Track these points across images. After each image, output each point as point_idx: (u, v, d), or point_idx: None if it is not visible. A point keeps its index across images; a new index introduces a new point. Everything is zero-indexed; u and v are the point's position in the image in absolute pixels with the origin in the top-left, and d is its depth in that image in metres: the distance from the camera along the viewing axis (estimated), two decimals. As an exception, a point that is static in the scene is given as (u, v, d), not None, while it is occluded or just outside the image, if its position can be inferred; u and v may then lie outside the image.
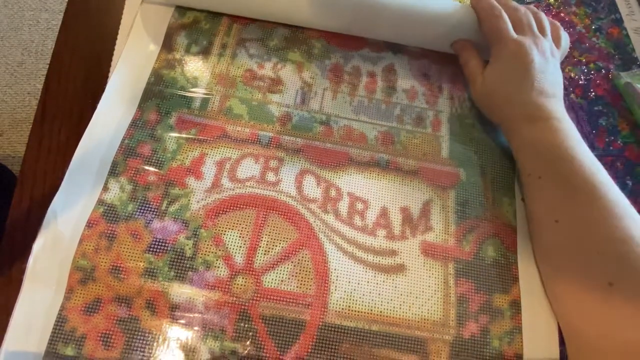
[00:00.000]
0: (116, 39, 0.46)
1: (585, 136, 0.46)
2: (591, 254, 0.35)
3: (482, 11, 0.44)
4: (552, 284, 0.39)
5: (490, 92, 0.42)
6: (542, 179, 0.39)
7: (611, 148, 0.47)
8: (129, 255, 0.37)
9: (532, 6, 0.46)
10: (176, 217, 0.38)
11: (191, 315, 0.35)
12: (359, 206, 0.41)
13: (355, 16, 0.45)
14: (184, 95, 0.43)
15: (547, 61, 0.41)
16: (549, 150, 0.39)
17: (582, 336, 0.36)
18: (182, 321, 0.35)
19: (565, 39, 0.45)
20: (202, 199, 0.39)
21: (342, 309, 0.37)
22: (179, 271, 0.37)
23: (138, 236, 0.37)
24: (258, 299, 0.36)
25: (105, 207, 0.38)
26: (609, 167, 0.45)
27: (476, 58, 0.44)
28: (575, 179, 0.37)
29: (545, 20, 0.44)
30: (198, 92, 0.44)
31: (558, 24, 0.45)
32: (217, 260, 0.37)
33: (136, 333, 0.35)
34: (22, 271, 0.36)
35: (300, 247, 0.39)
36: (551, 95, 0.40)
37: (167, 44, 0.46)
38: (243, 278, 0.37)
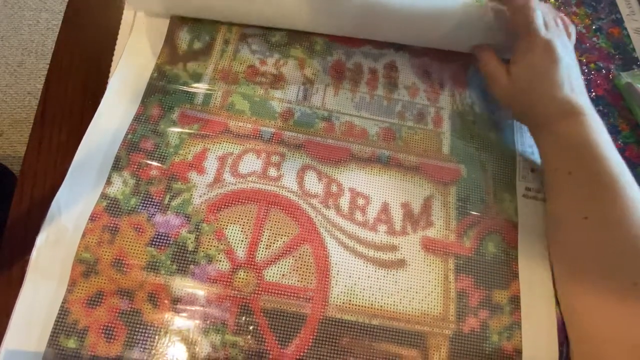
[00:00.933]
0: (116, 39, 0.46)
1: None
2: (618, 252, 0.35)
3: (513, 3, 0.43)
4: (570, 282, 0.38)
5: (520, 88, 0.42)
6: (571, 175, 0.38)
7: (611, 147, 0.47)
8: (131, 249, 0.37)
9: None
10: (178, 211, 0.39)
11: (193, 309, 0.36)
12: (360, 202, 0.41)
13: (361, 20, 0.45)
14: (187, 91, 0.44)
15: (572, 58, 0.42)
16: (581, 146, 0.38)
17: (594, 334, 0.36)
18: (184, 314, 0.35)
19: (573, 33, 0.45)
20: (204, 194, 0.40)
21: (343, 303, 0.37)
22: (181, 265, 0.37)
23: (141, 230, 0.38)
24: (259, 292, 0.37)
25: (109, 201, 0.38)
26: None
27: (496, 59, 0.44)
28: (605, 176, 0.37)
29: (559, 16, 0.44)
30: (200, 88, 0.44)
31: (566, 18, 0.45)
32: (219, 254, 0.38)
33: (138, 326, 0.35)
34: (23, 271, 0.36)
35: (302, 242, 0.39)
36: (579, 92, 0.40)
37: (170, 40, 0.46)
38: (245, 272, 0.37)
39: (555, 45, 0.40)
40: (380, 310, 0.37)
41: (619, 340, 0.34)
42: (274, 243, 0.39)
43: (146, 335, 0.35)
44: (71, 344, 0.34)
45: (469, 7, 0.45)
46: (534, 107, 0.42)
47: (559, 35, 0.42)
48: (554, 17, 0.44)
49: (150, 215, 0.38)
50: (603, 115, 0.49)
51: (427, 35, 0.47)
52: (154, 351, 0.34)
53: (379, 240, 0.40)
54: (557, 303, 0.39)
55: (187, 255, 0.37)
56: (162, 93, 0.43)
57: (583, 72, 0.51)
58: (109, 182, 0.39)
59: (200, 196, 0.39)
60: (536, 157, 0.45)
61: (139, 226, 0.38)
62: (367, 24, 0.46)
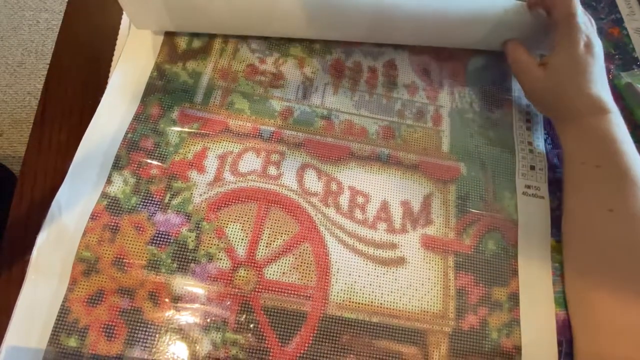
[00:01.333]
0: (116, 38, 0.46)
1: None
2: None
3: None
4: (585, 276, 0.39)
5: (557, 81, 0.42)
6: (599, 168, 0.39)
7: (611, 147, 0.47)
8: (132, 248, 0.37)
9: None
10: (179, 210, 0.39)
11: (193, 307, 0.36)
12: (360, 200, 0.41)
13: (375, 24, 0.45)
14: (186, 90, 0.44)
15: (602, 57, 0.42)
16: (610, 141, 0.39)
17: (605, 327, 0.36)
18: (185, 313, 0.36)
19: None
20: (205, 192, 0.40)
21: (343, 300, 0.37)
22: (181, 263, 0.37)
23: (141, 229, 0.38)
24: (260, 290, 0.37)
25: (109, 200, 0.38)
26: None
27: (527, 54, 0.44)
28: (633, 171, 0.37)
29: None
30: (200, 87, 0.44)
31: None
32: (219, 252, 0.38)
33: (139, 324, 0.35)
34: (23, 271, 0.36)
35: (302, 240, 0.39)
36: (607, 90, 0.41)
37: (170, 39, 0.46)
38: (245, 270, 0.37)
39: (594, 41, 0.41)
40: (380, 307, 0.37)
41: (628, 334, 0.35)
42: (274, 241, 0.39)
43: (147, 333, 0.35)
44: (72, 342, 0.34)
45: (508, 7, 0.45)
46: (567, 100, 0.42)
47: (594, 34, 0.42)
48: (588, 17, 0.44)
49: (150, 214, 0.38)
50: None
51: (463, 39, 0.47)
52: (154, 349, 0.34)
53: (379, 238, 0.40)
54: (556, 301, 0.39)
55: (188, 253, 0.37)
56: (161, 92, 0.43)
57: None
58: (109, 181, 0.39)
59: (201, 195, 0.40)
60: (535, 155, 0.45)
61: (139, 225, 0.38)
62: (384, 25, 0.46)
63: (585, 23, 0.43)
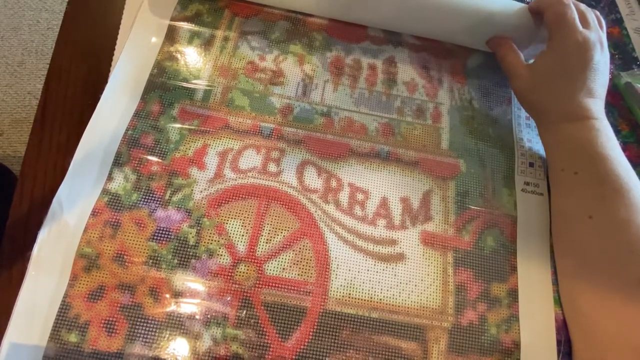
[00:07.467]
0: (116, 38, 0.46)
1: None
2: (623, 252, 0.36)
3: None
4: (574, 279, 0.39)
5: (538, 83, 0.42)
6: (578, 175, 0.39)
7: (611, 147, 0.47)
8: (133, 244, 0.37)
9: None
10: (179, 206, 0.39)
11: (194, 302, 0.36)
12: (360, 196, 0.41)
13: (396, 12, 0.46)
14: (187, 87, 0.44)
15: (605, 62, 0.41)
16: (588, 148, 0.38)
17: (599, 332, 0.36)
18: (185, 308, 0.36)
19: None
20: (205, 189, 0.40)
21: (343, 296, 0.37)
22: (182, 259, 0.37)
23: (142, 225, 0.38)
24: (260, 286, 0.37)
25: (110, 197, 0.39)
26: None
27: (515, 52, 0.44)
28: (612, 178, 0.37)
29: (601, 18, 0.43)
30: (200, 84, 0.44)
31: (601, 17, 0.44)
32: (219, 248, 0.38)
33: (139, 320, 0.35)
34: (23, 271, 0.36)
35: (302, 236, 0.39)
36: (596, 96, 0.40)
37: (170, 37, 0.46)
38: (245, 266, 0.37)
39: (590, 45, 0.40)
40: (380, 303, 0.38)
41: (621, 340, 0.34)
42: (274, 237, 0.39)
43: (147, 329, 0.35)
44: (72, 338, 0.34)
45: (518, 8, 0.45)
46: (546, 104, 0.42)
47: (598, 35, 0.41)
48: (599, 18, 0.43)
49: (151, 211, 0.38)
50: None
51: (457, 30, 0.48)
52: (155, 345, 0.35)
53: (378, 235, 0.40)
54: (555, 301, 0.39)
55: (188, 249, 0.37)
56: (162, 89, 0.44)
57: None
58: (110, 177, 0.39)
59: (201, 191, 0.40)
60: (535, 152, 0.46)
61: (140, 221, 0.38)
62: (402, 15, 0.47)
63: (590, 24, 0.41)
